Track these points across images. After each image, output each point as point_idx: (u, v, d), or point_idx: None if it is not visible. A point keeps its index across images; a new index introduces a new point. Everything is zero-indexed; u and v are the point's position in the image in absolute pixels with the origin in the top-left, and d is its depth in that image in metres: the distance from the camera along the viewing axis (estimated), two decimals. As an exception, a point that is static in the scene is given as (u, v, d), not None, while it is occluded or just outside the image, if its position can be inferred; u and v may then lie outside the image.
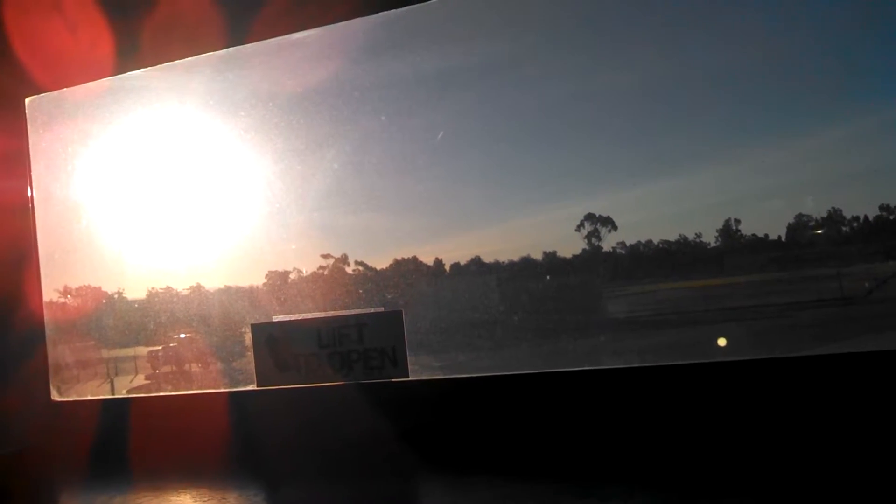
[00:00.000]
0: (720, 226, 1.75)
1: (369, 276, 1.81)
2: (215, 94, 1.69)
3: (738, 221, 1.73)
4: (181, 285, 1.86)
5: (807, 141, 1.66)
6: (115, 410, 1.59)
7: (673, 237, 1.80)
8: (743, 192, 1.71)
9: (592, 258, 1.78)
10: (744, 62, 1.60)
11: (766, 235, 1.74)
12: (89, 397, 1.69)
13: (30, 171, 1.73)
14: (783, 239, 1.71)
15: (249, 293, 1.81)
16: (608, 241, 1.77)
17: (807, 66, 1.58)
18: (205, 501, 1.18)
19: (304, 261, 1.77)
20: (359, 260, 1.83)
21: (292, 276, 1.79)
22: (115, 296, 1.98)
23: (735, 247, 1.74)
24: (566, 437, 1.27)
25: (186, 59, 1.56)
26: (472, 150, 1.77)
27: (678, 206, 1.79)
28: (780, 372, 1.19)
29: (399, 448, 1.32)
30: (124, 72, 1.63)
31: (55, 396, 1.67)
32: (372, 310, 1.43)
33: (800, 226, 1.66)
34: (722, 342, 1.55)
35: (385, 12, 1.40)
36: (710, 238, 1.75)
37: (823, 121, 1.64)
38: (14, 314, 1.69)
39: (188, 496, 1.22)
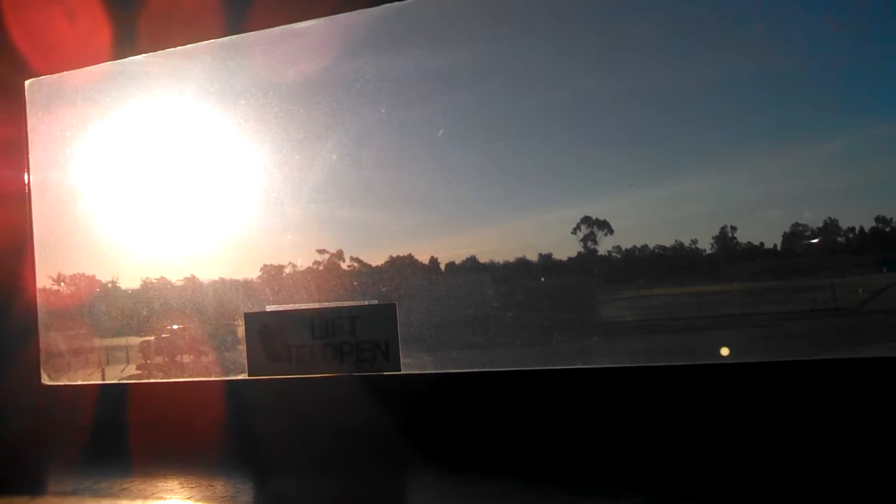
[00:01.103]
0: (716, 233, 1.75)
1: (364, 272, 1.81)
2: (215, 81, 1.69)
3: (734, 229, 1.73)
4: (176, 276, 1.85)
5: (805, 151, 1.67)
6: (105, 395, 1.59)
7: (668, 242, 1.80)
8: (740, 199, 1.72)
9: (588, 261, 1.78)
10: (744, 72, 1.61)
11: (762, 244, 1.75)
12: (79, 382, 1.69)
13: (27, 154, 1.73)
14: (779, 248, 1.71)
15: (244, 286, 1.80)
16: (604, 245, 1.78)
17: (806, 77, 1.59)
18: (192, 487, 1.18)
19: (300, 255, 1.77)
20: (354, 256, 1.83)
21: (287, 270, 1.79)
22: (109, 284, 1.97)
23: (730, 254, 1.74)
24: (556, 435, 1.27)
25: (188, 46, 1.57)
26: (470, 148, 1.77)
27: (674, 211, 1.79)
28: (770, 375, 1.19)
29: (388, 441, 1.32)
30: (123, 57, 1.63)
31: (46, 380, 1.67)
32: (366, 302, 1.43)
33: (796, 235, 1.67)
34: (725, 352, 1.54)
35: (388, 5, 1.40)
36: (706, 245, 1.75)
37: (822, 132, 1.65)
38: (7, 299, 1.68)
39: (175, 482, 1.22)
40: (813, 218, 1.62)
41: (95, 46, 1.61)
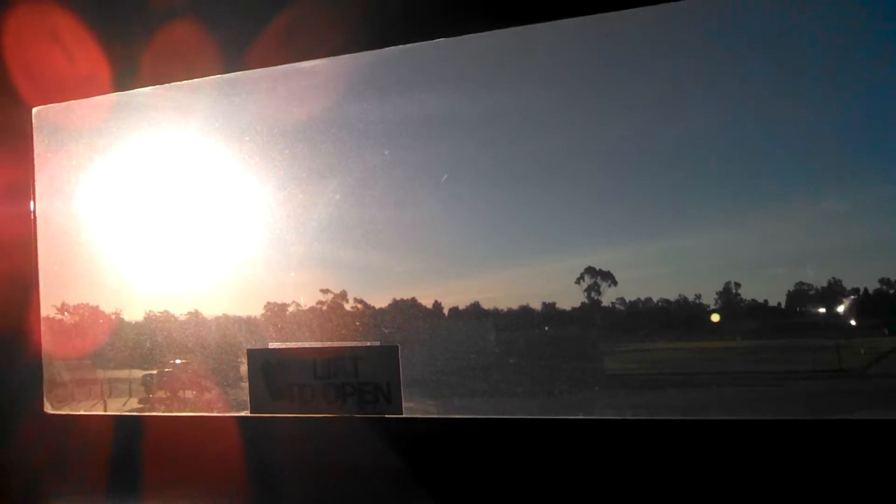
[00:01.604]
0: (720, 288, 1.75)
1: (368, 313, 1.80)
2: (221, 116, 1.69)
3: (738, 285, 1.74)
4: (179, 310, 1.85)
5: (811, 210, 1.68)
6: (107, 426, 1.58)
7: (672, 296, 1.80)
8: (745, 256, 1.72)
9: (591, 311, 1.78)
10: (752, 128, 1.62)
11: (766, 301, 1.75)
12: (82, 412, 1.68)
13: (33, 183, 1.73)
14: (783, 306, 1.71)
15: (247, 322, 1.80)
16: (608, 296, 1.78)
17: (814, 136, 1.60)
18: (186, 523, 1.17)
19: (303, 293, 1.77)
20: (358, 297, 1.83)
21: (290, 308, 1.79)
22: (113, 316, 1.97)
23: (734, 310, 1.74)
24: (556, 484, 1.26)
25: (194, 80, 1.57)
26: (475, 193, 1.78)
27: (679, 265, 1.80)
28: (770, 434, 1.18)
29: (387, 484, 1.31)
30: (125, 90, 1.64)
31: (48, 409, 1.66)
32: (369, 343, 1.43)
33: (800, 294, 1.67)
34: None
35: (392, 48, 1.41)
36: (710, 300, 1.75)
37: (828, 191, 1.66)
38: (11, 327, 1.68)
39: (170, 517, 1.21)
40: (817, 277, 1.62)
41: (99, 79, 1.62)
